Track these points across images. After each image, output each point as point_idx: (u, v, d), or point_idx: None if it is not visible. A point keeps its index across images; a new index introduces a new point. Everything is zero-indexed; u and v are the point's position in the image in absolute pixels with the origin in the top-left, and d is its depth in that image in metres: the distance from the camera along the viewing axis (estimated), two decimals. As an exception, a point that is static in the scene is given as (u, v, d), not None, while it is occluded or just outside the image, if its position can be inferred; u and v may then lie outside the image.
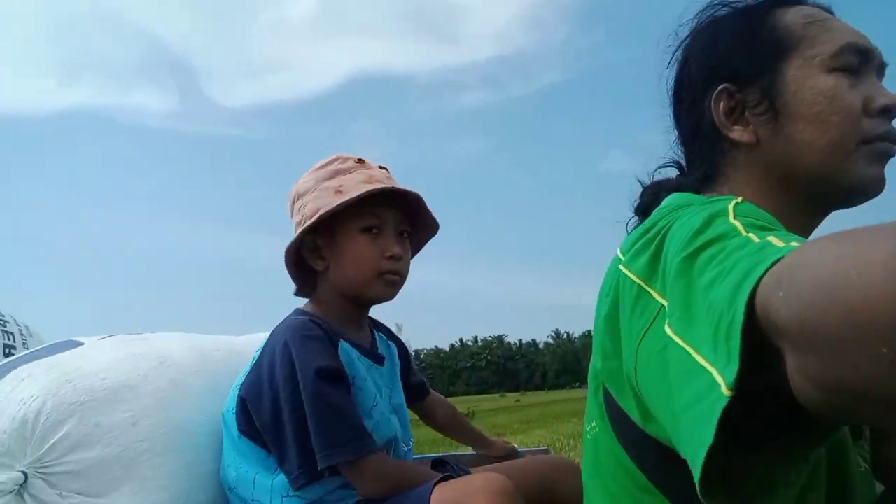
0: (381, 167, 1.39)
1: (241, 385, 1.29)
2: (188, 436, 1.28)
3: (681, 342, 0.60)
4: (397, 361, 1.51)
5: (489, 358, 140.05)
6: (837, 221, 0.90)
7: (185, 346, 1.46)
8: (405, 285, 1.42)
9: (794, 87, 0.84)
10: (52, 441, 1.12)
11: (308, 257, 1.35)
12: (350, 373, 1.29)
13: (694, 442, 0.54)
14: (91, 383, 1.22)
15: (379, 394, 1.35)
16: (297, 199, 1.36)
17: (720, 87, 0.88)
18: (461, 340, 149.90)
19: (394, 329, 1.98)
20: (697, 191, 0.91)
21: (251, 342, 1.57)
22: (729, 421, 0.51)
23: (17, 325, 2.14)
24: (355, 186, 1.30)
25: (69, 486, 1.12)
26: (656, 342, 0.66)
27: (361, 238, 1.32)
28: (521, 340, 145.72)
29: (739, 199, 0.72)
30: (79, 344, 1.41)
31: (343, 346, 1.30)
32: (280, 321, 1.35)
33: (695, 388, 0.56)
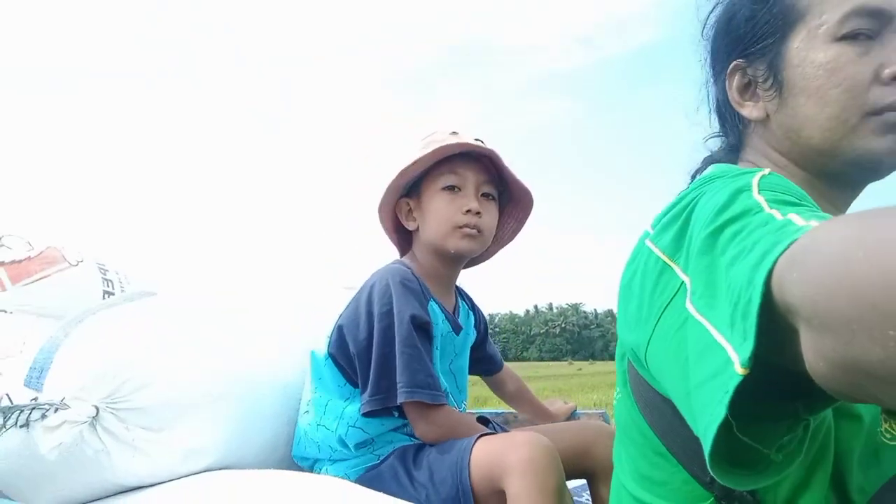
0: (476, 139, 1.44)
1: (340, 316, 1.40)
2: (248, 383, 1.37)
3: (701, 319, 0.60)
4: (472, 332, 1.57)
5: (563, 325, 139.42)
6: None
7: (253, 301, 1.56)
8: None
9: (797, 61, 0.81)
10: (121, 380, 1.22)
11: (402, 219, 1.47)
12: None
13: (706, 417, 0.55)
14: (160, 331, 1.33)
15: (444, 356, 1.42)
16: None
17: (733, 64, 0.88)
18: (536, 307, 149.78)
19: None
20: (731, 161, 0.90)
21: (322, 300, 1.66)
22: (741, 396, 0.51)
23: (117, 272, 2.30)
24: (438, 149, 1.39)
25: (134, 421, 1.22)
26: (675, 317, 0.67)
27: (443, 195, 1.41)
28: (596, 310, 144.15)
29: (766, 172, 0.71)
30: (153, 294, 1.53)
31: (432, 305, 1.39)
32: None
33: (711, 365, 0.56)
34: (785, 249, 0.49)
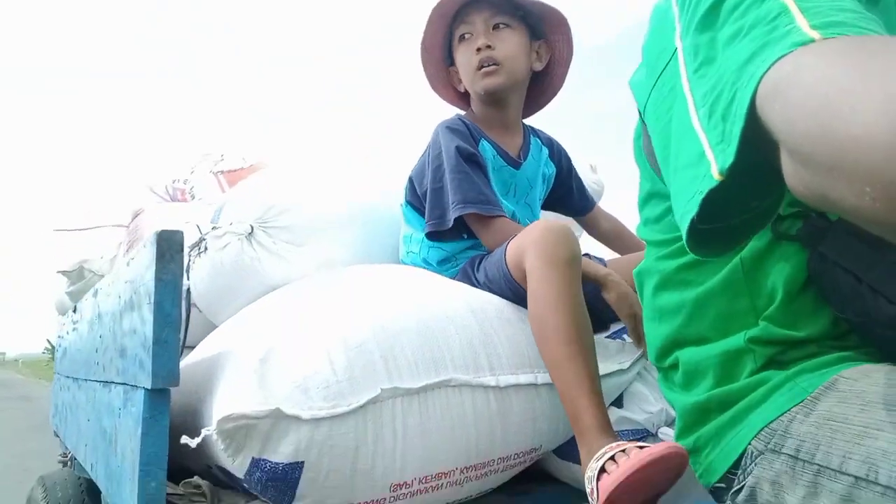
0: None
1: (412, 170, 1.62)
2: (370, 214, 1.64)
3: (687, 93, 0.62)
4: (549, 165, 1.68)
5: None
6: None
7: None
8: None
9: None
10: (269, 206, 1.54)
11: (457, 86, 1.65)
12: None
13: (681, 207, 0.61)
14: (302, 174, 1.65)
15: (506, 191, 1.55)
16: None
17: None
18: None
19: (588, 169, 2.11)
20: None
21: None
22: (712, 192, 0.54)
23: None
24: None
25: (279, 237, 1.53)
26: (669, 81, 0.70)
27: (461, 46, 1.56)
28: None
29: None
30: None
31: (483, 144, 1.53)
32: None
33: (690, 152, 0.59)
34: (771, 66, 0.47)
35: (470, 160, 1.45)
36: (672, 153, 0.68)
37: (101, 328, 1.71)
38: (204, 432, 0.92)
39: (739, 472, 0.76)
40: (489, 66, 1.51)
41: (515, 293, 1.28)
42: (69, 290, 2.52)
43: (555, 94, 1.70)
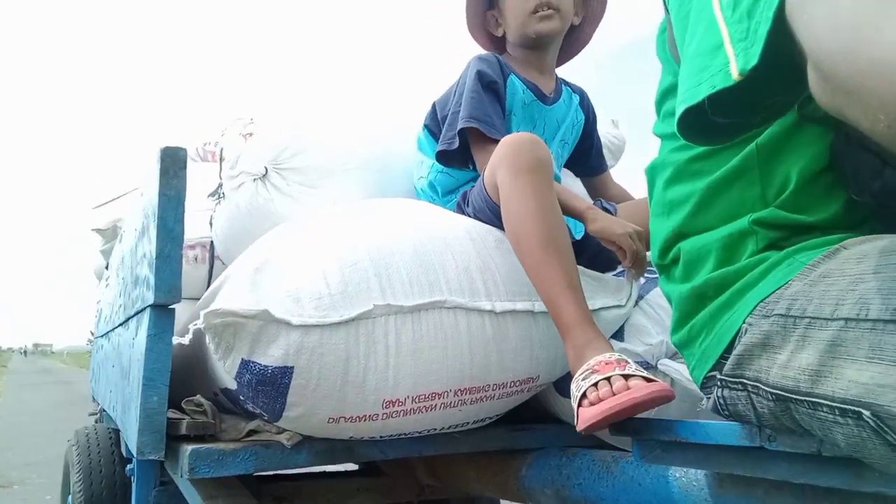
0: None
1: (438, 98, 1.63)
2: (385, 156, 1.66)
3: None
4: (579, 111, 1.67)
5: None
6: None
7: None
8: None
9: None
10: (282, 148, 1.57)
11: (493, 30, 1.65)
12: (509, 104, 1.52)
13: (683, 93, 0.61)
14: (317, 118, 1.67)
15: (532, 126, 1.54)
16: None
17: None
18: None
19: (609, 125, 2.09)
20: None
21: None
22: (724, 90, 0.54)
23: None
24: None
25: (293, 178, 1.56)
26: None
27: None
28: None
29: None
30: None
31: (512, 79, 1.54)
32: None
33: (705, 44, 0.59)
34: None
35: (488, 86, 1.47)
36: (687, 39, 0.67)
37: (122, 270, 1.77)
38: (191, 327, 0.95)
39: (732, 350, 0.75)
40: (547, 10, 1.52)
41: (500, 218, 1.28)
42: (103, 249, 2.61)
43: (582, 49, 1.72)
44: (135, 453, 1.11)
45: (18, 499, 3.92)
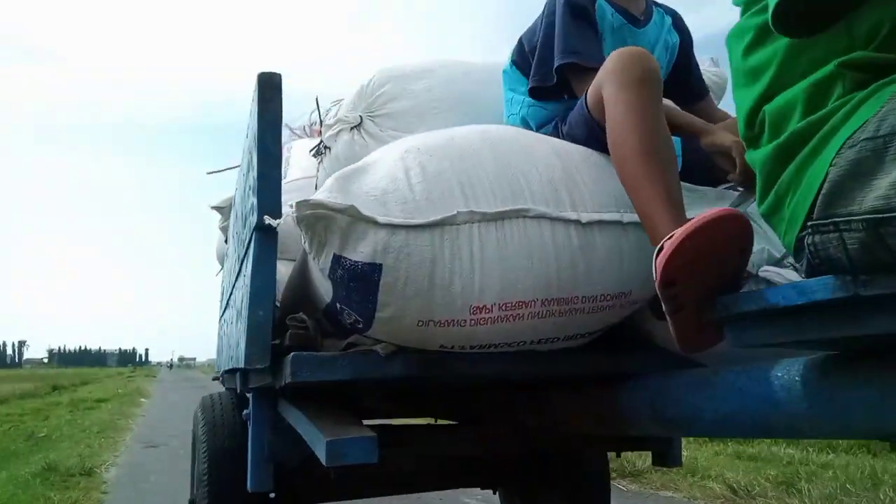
0: None
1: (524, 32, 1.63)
2: (469, 103, 1.68)
3: None
4: (672, 33, 1.63)
5: None
6: None
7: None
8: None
9: None
10: (376, 95, 1.64)
11: None
12: (599, 26, 1.50)
13: None
14: (406, 64, 1.73)
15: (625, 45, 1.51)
16: None
17: None
18: None
19: (708, 63, 2.02)
20: None
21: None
22: None
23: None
24: None
25: (386, 125, 1.62)
26: None
27: None
28: None
29: None
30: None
31: (600, 4, 1.52)
32: None
33: None
34: None
35: (580, 15, 1.46)
36: None
37: (235, 226, 1.90)
38: (285, 213, 1.01)
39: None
40: None
41: (597, 139, 1.26)
42: (222, 226, 2.80)
43: None
44: (243, 364, 1.20)
45: (163, 454, 5.80)
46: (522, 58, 1.59)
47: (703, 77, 1.79)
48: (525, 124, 1.57)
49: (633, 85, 1.13)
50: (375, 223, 1.01)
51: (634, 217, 1.18)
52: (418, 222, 1.03)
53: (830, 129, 0.72)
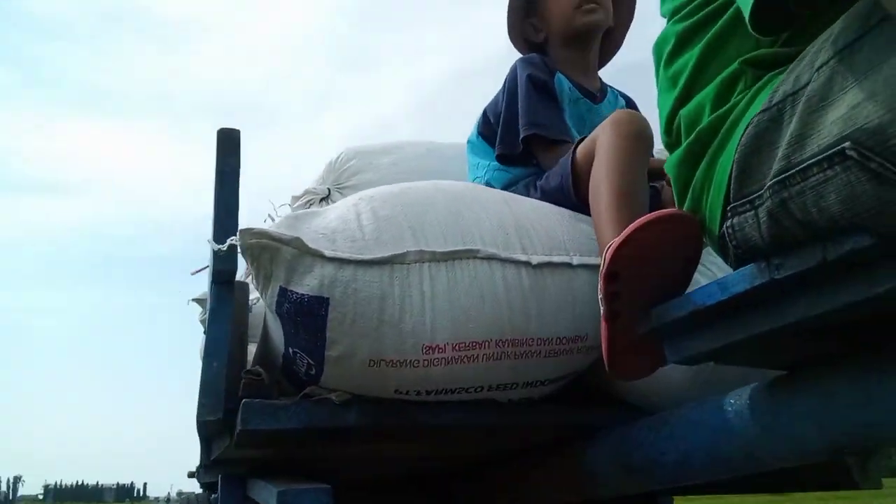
0: None
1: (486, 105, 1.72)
2: (433, 173, 1.74)
3: None
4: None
5: None
6: None
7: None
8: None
9: None
10: (342, 169, 1.71)
11: (533, 36, 1.74)
12: (558, 98, 1.59)
13: None
14: (371, 145, 1.81)
15: (581, 126, 1.60)
16: None
17: None
18: None
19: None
20: None
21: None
22: None
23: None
24: None
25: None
26: None
27: None
28: None
29: None
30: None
31: (559, 77, 1.62)
32: None
33: None
34: None
35: (542, 89, 1.55)
36: None
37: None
38: (229, 241, 1.03)
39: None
40: (590, 4, 1.63)
41: (567, 191, 1.31)
42: (202, 319, 2.80)
43: (615, 53, 1.81)
44: (197, 416, 1.18)
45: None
46: (488, 128, 1.67)
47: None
48: (489, 187, 1.62)
49: (631, 136, 1.19)
50: (322, 256, 1.03)
51: (585, 260, 1.20)
52: (367, 258, 1.05)
53: (733, 120, 0.76)
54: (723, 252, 0.81)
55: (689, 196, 0.83)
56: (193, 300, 2.83)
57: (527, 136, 1.48)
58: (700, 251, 0.89)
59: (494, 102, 1.66)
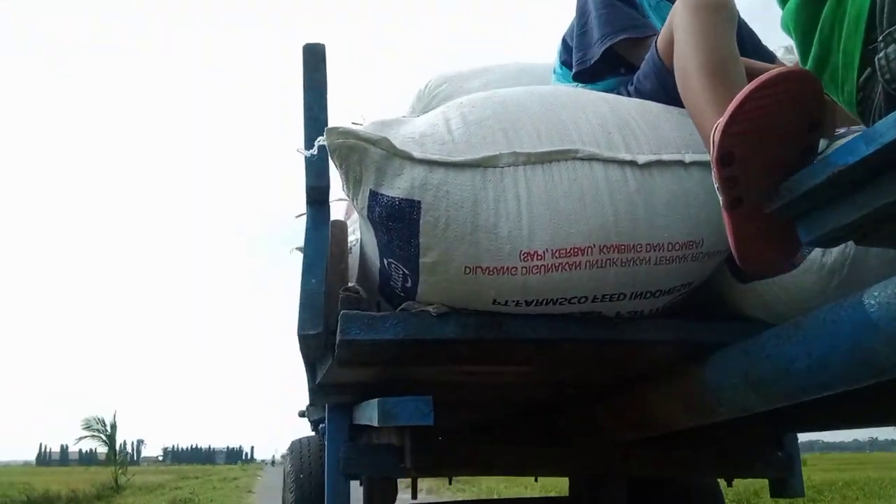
0: None
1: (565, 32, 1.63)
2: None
3: None
4: None
5: None
6: None
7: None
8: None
9: None
10: (432, 96, 1.66)
11: None
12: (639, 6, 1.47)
13: None
14: (460, 70, 1.76)
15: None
16: None
17: None
18: None
19: (783, 52, 1.93)
20: None
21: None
22: None
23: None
24: None
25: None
26: None
27: None
28: None
29: None
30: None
31: None
32: None
33: None
34: None
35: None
36: None
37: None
38: (317, 142, 1.00)
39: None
40: None
41: (665, 87, 1.20)
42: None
43: None
44: (297, 331, 1.18)
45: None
46: (569, 54, 1.58)
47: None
48: None
49: (702, 9, 1.07)
50: (411, 158, 0.98)
51: (698, 157, 1.09)
52: (457, 160, 1.00)
53: None
54: (861, 106, 0.70)
55: (815, 42, 0.72)
56: (296, 248, 2.93)
57: (614, 44, 1.38)
58: (824, 114, 0.77)
59: (570, 26, 1.57)
